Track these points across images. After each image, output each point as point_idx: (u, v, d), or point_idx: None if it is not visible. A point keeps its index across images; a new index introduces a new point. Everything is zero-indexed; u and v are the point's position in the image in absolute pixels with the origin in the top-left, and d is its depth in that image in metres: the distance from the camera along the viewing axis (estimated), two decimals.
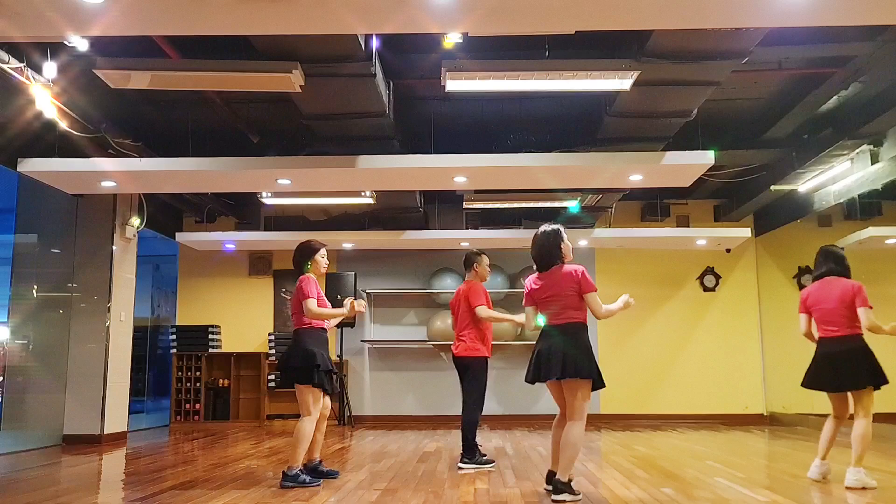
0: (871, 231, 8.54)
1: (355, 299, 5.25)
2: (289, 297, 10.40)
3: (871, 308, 4.66)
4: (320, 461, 5.09)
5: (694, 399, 10.13)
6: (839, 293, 4.72)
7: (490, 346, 5.76)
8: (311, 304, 4.82)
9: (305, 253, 5.09)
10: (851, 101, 6.58)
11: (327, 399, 4.99)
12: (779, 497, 4.22)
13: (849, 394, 4.79)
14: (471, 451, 5.56)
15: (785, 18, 3.79)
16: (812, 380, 4.84)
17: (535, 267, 4.46)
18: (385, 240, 9.35)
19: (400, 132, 6.58)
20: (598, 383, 4.21)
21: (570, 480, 4.13)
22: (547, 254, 4.38)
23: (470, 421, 5.56)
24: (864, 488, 4.49)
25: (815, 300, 4.84)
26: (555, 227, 4.44)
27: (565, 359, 4.14)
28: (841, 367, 4.67)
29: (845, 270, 4.85)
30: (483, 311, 5.58)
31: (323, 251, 5.12)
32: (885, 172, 7.10)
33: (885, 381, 4.62)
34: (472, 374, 5.62)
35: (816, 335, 4.86)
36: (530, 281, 4.46)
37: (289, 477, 4.68)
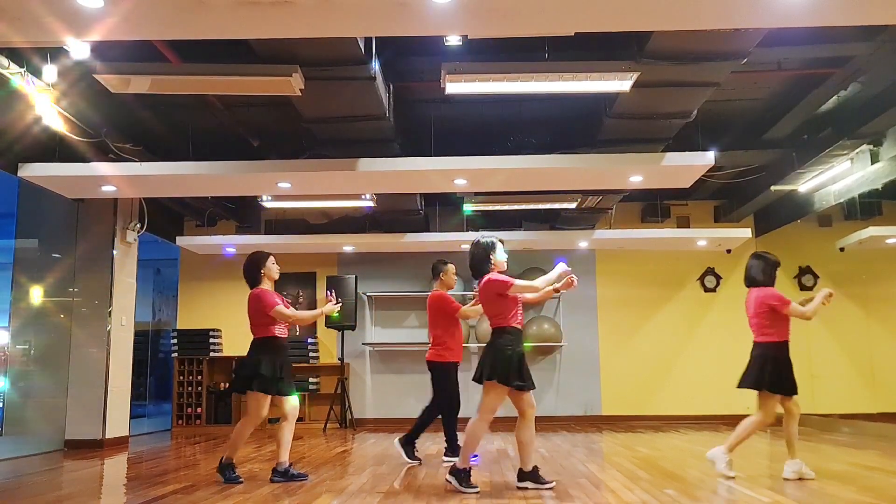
0: (872, 231, 8.55)
1: (328, 297, 5.39)
2: (289, 301, 10.40)
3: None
4: (290, 464, 5.16)
5: (696, 400, 10.12)
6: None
7: (459, 351, 6.16)
8: (283, 310, 5.15)
9: (256, 263, 5.27)
10: (851, 101, 6.59)
11: (292, 399, 5.18)
12: (781, 497, 4.22)
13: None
14: (453, 448, 6.02)
15: (784, 19, 3.80)
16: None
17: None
18: (385, 242, 9.35)
19: (400, 135, 6.59)
20: (506, 383, 4.45)
21: (463, 470, 4.55)
22: (478, 264, 4.73)
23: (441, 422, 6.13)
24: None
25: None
26: (488, 238, 4.75)
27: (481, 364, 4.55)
28: None
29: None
30: (464, 311, 6.03)
31: (272, 258, 5.32)
32: (884, 172, 7.11)
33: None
34: (434, 378, 6.12)
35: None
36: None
37: (278, 474, 5.08)
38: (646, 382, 10.12)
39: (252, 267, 5.26)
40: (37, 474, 5.97)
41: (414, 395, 10.21)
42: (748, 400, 10.08)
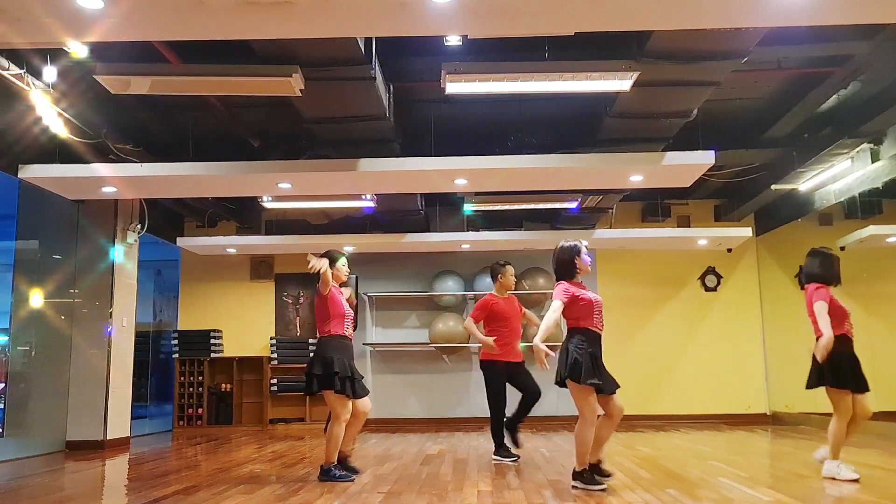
0: (872, 229, 8.53)
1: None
2: (290, 301, 10.41)
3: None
4: (347, 456, 5.29)
5: (696, 399, 10.12)
6: None
7: (509, 350, 6.17)
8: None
9: (331, 259, 5.21)
10: (851, 100, 6.58)
11: (364, 400, 5.18)
12: (783, 496, 4.22)
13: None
14: (498, 448, 6.11)
15: (783, 18, 3.79)
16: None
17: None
18: (386, 243, 9.35)
19: (400, 135, 6.59)
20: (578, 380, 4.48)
21: (584, 470, 4.52)
22: (564, 268, 4.78)
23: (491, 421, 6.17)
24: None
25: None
26: (571, 242, 4.82)
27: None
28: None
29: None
30: (467, 323, 6.26)
31: (343, 260, 5.31)
32: (885, 171, 7.10)
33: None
34: (484, 378, 6.21)
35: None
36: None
37: (323, 471, 5.07)
38: (647, 382, 10.11)
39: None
40: (38, 475, 5.97)
41: (415, 395, 10.22)
42: (749, 399, 10.14)
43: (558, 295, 4.64)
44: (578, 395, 4.50)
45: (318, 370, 4.96)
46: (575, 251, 4.75)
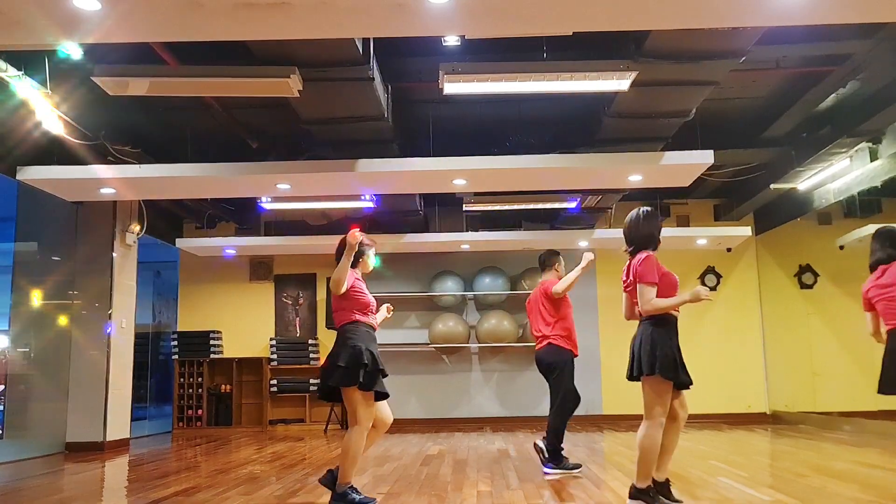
0: (872, 228, 8.47)
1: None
2: (289, 302, 10.40)
3: None
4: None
5: (696, 398, 9.96)
6: None
7: (575, 342, 5.39)
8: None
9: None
10: (849, 99, 6.58)
11: (386, 407, 4.24)
12: (782, 496, 4.22)
13: None
14: (555, 456, 5.22)
15: (782, 17, 3.80)
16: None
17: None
18: (385, 243, 9.34)
19: (399, 135, 6.59)
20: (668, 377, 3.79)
21: (648, 487, 3.72)
22: (646, 237, 3.92)
23: (552, 425, 5.27)
24: None
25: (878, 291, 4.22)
26: (649, 209, 4.03)
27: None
28: None
29: None
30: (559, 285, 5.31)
31: (371, 251, 4.48)
32: (884, 170, 7.10)
33: None
34: (554, 373, 5.31)
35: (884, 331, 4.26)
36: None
37: (336, 496, 4.02)
38: None
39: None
40: (38, 477, 5.97)
41: (415, 395, 10.21)
42: (749, 398, 10.13)
43: (649, 274, 3.73)
44: (656, 390, 3.78)
45: (344, 361, 4.05)
46: (658, 217, 3.98)
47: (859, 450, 6.10)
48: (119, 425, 8.07)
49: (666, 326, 3.80)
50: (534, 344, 5.56)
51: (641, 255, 3.82)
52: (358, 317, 4.27)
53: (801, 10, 3.65)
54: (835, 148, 7.02)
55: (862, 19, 3.89)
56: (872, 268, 4.36)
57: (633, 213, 4.02)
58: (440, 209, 9.52)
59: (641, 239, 3.90)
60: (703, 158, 6.34)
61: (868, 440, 6.74)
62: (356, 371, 4.02)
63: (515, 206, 8.43)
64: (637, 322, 3.90)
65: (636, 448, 3.73)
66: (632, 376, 3.83)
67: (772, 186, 8.32)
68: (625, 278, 3.94)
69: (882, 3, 3.60)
